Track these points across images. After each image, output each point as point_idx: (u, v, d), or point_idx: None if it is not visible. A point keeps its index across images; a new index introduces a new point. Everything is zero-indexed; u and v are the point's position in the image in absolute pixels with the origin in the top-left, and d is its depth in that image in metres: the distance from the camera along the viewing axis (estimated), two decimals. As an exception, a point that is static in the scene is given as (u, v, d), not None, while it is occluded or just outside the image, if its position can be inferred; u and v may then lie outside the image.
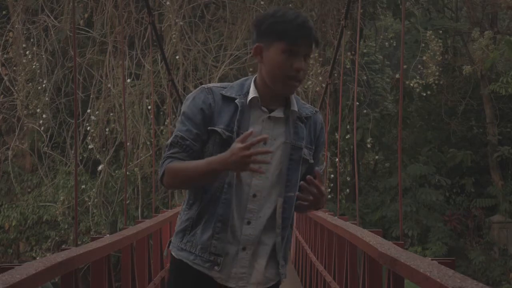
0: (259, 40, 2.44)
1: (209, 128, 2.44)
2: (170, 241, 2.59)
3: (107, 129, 17.57)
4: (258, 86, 2.48)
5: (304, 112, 2.55)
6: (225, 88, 2.49)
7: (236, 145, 2.30)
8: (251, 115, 2.46)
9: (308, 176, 2.44)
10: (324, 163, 2.59)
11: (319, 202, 2.46)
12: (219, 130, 2.43)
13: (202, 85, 2.54)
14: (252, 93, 2.46)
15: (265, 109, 2.47)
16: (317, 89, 17.60)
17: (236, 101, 2.45)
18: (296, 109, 2.50)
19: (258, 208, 2.45)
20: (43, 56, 18.17)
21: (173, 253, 2.53)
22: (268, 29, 2.41)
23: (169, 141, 2.50)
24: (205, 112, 2.44)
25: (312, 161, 2.56)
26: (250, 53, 18.24)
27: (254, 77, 2.52)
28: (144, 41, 17.59)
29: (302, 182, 2.45)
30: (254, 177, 2.43)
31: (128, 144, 16.31)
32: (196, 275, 2.47)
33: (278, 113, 2.48)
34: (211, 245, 2.44)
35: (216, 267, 2.44)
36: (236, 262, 2.45)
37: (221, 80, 17.89)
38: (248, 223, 2.45)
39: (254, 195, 2.45)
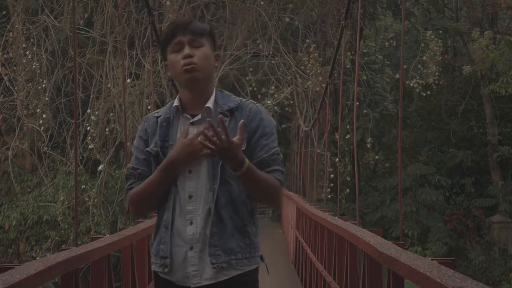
0: (164, 60, 2.73)
1: (145, 150, 2.70)
2: None
3: (107, 129, 17.54)
4: (181, 97, 2.71)
5: (227, 105, 2.68)
6: (159, 111, 2.75)
7: (181, 139, 2.58)
8: (179, 125, 2.68)
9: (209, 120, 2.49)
10: (276, 149, 2.42)
11: (222, 150, 2.47)
12: (149, 149, 2.69)
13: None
14: (175, 103, 2.69)
15: (188, 116, 2.67)
16: (317, 89, 17.60)
17: (159, 118, 2.70)
18: (211, 106, 2.64)
19: (196, 207, 2.62)
20: (43, 56, 18.15)
21: None
22: (161, 48, 2.74)
23: (125, 174, 2.75)
24: (143, 138, 2.73)
25: (242, 148, 2.57)
26: (250, 53, 18.35)
27: None
28: (144, 41, 17.56)
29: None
30: (186, 180, 2.62)
31: (128, 144, 16.24)
32: (163, 282, 2.68)
33: (198, 117, 2.66)
34: (159, 250, 2.65)
35: (165, 269, 2.63)
36: (187, 262, 2.61)
37: (221, 80, 17.89)
38: (191, 223, 2.62)
39: (190, 196, 2.63)
